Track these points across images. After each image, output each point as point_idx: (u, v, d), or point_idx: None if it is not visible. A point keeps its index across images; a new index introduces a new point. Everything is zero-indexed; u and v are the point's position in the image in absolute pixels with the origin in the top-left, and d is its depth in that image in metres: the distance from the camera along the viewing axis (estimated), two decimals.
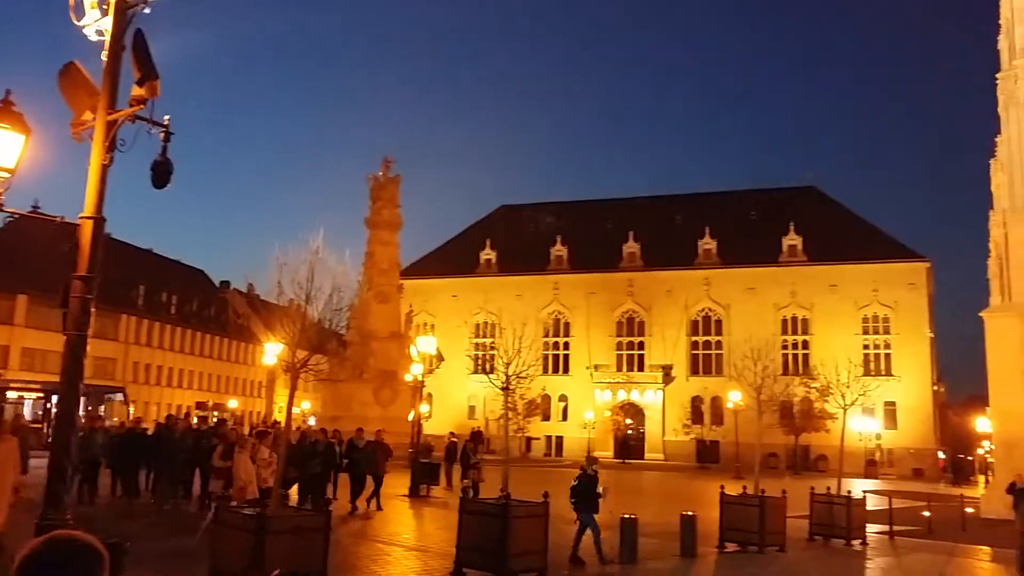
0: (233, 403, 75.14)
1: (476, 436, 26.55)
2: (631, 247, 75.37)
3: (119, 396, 46.89)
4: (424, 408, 47.33)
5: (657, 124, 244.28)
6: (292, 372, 10.48)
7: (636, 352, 74.35)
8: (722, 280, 71.72)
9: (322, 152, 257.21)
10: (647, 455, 69.58)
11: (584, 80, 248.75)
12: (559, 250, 77.66)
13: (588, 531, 14.70)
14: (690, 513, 16.59)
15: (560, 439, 73.33)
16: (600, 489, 15.08)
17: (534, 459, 63.79)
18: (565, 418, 74.31)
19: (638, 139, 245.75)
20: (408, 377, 36.42)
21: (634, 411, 72.79)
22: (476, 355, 72.80)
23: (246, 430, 32.13)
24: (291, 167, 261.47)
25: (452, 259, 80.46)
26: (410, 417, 35.91)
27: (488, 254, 79.96)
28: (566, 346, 76.18)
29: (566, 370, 75.68)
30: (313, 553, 9.75)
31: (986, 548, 21.15)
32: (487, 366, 62.48)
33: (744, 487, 19.56)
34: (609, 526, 16.83)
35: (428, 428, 49.59)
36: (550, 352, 74.99)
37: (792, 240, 70.91)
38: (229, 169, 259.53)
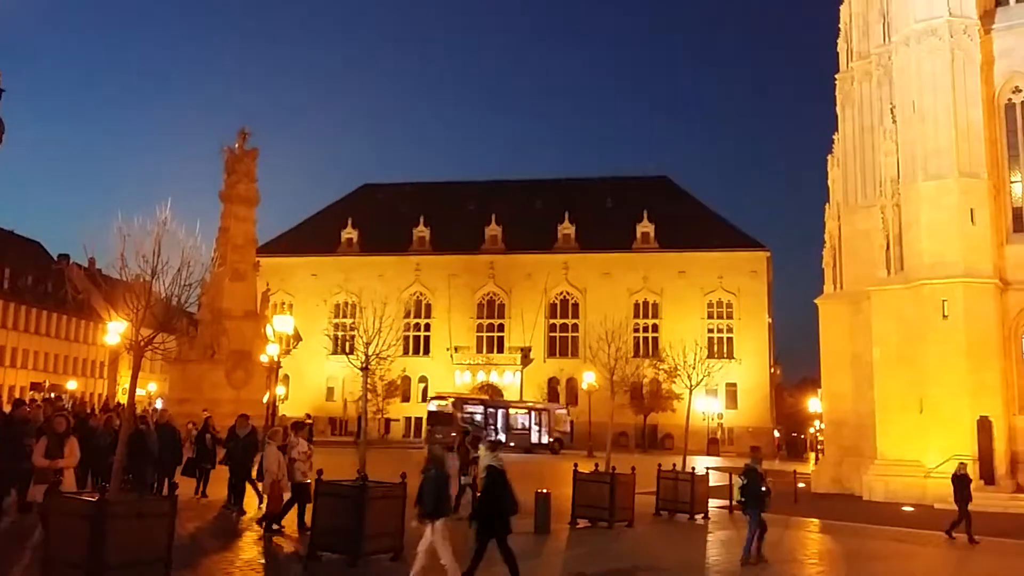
0: (72, 384, 70.87)
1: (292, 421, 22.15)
2: (493, 230, 76.00)
3: (563, 411, 56.95)
4: (280, 390, 46.34)
5: (517, 109, 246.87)
6: (136, 351, 9.96)
7: (496, 334, 75.18)
8: (579, 264, 73.51)
9: (175, 123, 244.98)
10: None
11: (448, 62, 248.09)
12: (421, 231, 77.38)
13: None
14: (544, 491, 16.98)
15: (419, 420, 73.15)
16: (764, 486, 14.75)
17: (392, 440, 63.52)
18: (425, 399, 74.29)
19: (499, 124, 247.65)
20: (264, 358, 35.49)
21: (493, 392, 73.66)
22: (336, 335, 71.60)
23: (87, 411, 30.30)
24: (141, 137, 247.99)
25: (312, 237, 78.74)
26: (265, 399, 35.07)
27: (349, 233, 78.75)
28: (427, 327, 76.14)
29: (427, 351, 75.70)
30: (157, 540, 9.34)
31: (815, 520, 22.70)
32: (347, 346, 61.65)
33: (596, 465, 20.16)
34: (465, 505, 17.02)
35: (284, 410, 48.60)
36: (411, 333, 74.74)
37: (645, 228, 73.46)
38: (71, 135, 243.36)
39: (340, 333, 71.85)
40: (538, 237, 74.46)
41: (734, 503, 14.68)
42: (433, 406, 49.96)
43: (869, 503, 26.71)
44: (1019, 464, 27.26)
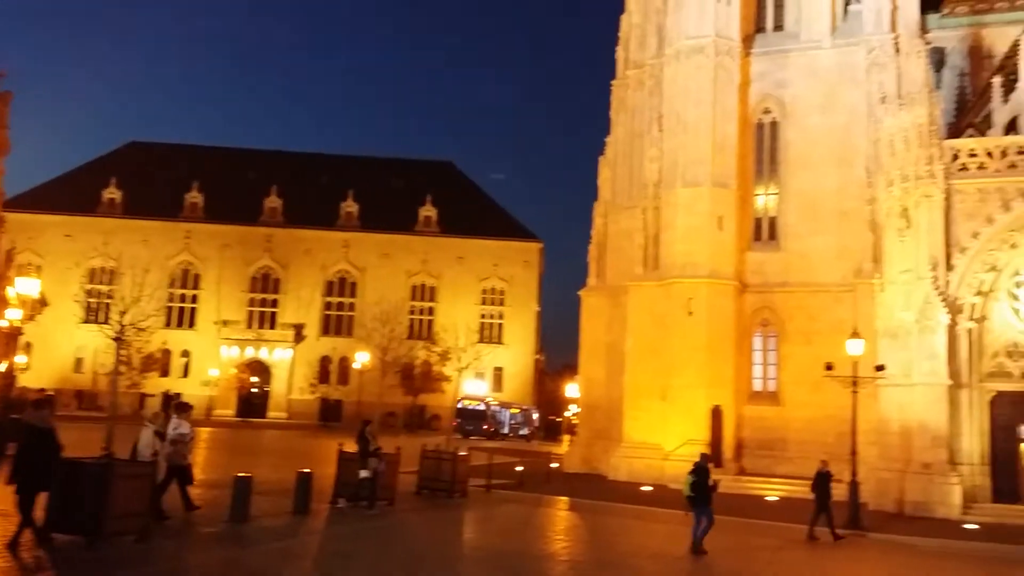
0: None
1: (174, 402, 18.15)
2: (273, 202, 73.51)
3: (536, 413, 75.02)
4: (21, 358, 42.43)
5: (306, 82, 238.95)
6: None
7: (269, 309, 72.92)
8: (360, 243, 72.95)
9: None
10: (271, 413, 68.85)
11: (234, 22, 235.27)
12: (194, 197, 73.32)
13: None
14: (307, 471, 16.94)
15: (179, 396, 69.73)
16: (711, 482, 15.47)
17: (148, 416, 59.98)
18: (186, 374, 70.72)
19: (286, 94, 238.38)
20: (3, 323, 32.53)
21: (260, 369, 71.50)
22: (88, 302, 66.22)
23: None
24: None
25: (69, 194, 72.06)
26: (2, 369, 32.36)
27: (112, 193, 73.01)
28: (194, 299, 72.44)
29: (192, 324, 72.05)
30: None
31: (565, 498, 24.23)
32: (101, 315, 57.21)
33: None
34: (222, 485, 16.63)
35: (26, 381, 44.60)
36: (176, 304, 70.95)
37: (428, 211, 74.13)
38: None
39: (94, 300, 66.40)
40: (320, 213, 72.92)
41: (685, 497, 15.47)
42: (460, 404, 58.84)
43: (614, 483, 28.75)
44: (744, 449, 30.44)
